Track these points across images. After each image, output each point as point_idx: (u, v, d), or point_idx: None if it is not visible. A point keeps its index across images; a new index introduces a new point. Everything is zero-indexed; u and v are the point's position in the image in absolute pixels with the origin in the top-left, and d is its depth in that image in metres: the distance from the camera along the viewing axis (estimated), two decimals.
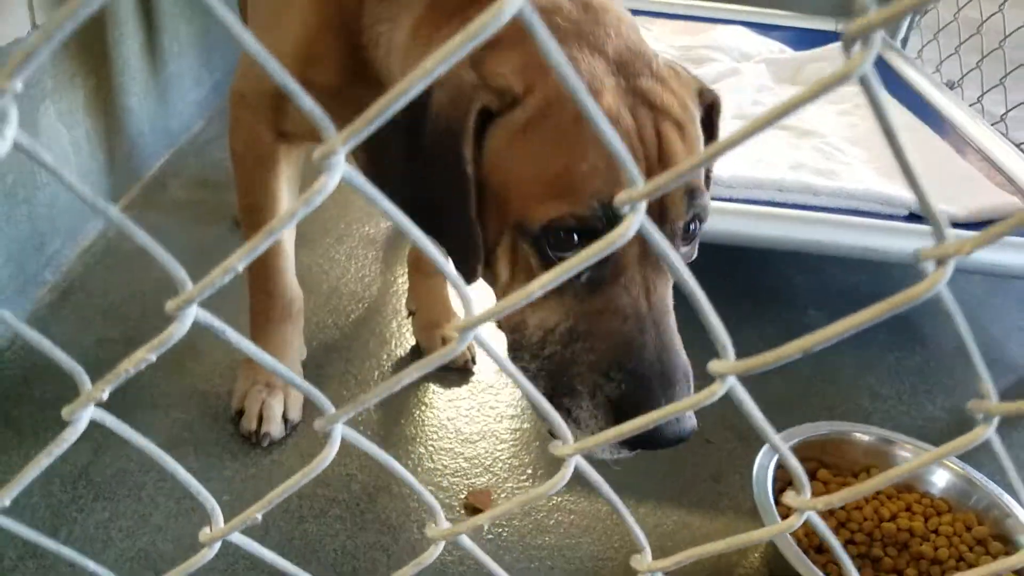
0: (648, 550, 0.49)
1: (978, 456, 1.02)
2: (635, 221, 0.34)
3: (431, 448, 1.23)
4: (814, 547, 1.01)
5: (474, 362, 1.39)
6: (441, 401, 1.32)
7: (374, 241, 1.71)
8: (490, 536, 1.09)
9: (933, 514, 1.05)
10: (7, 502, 0.43)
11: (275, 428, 1.18)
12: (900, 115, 1.93)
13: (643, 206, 0.34)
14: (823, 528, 0.44)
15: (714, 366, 0.38)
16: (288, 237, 1.19)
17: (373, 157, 0.77)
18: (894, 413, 1.39)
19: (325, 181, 0.33)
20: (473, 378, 1.37)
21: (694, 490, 1.21)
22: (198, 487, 0.45)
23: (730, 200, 1.45)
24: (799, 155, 1.63)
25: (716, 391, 0.39)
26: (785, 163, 1.58)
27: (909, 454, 1.12)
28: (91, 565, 0.48)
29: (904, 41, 2.60)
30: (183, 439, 1.17)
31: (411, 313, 1.46)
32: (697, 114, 0.82)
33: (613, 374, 0.73)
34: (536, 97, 0.73)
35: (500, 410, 1.31)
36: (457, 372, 1.37)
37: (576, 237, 0.72)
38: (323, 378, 1.32)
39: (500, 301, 0.39)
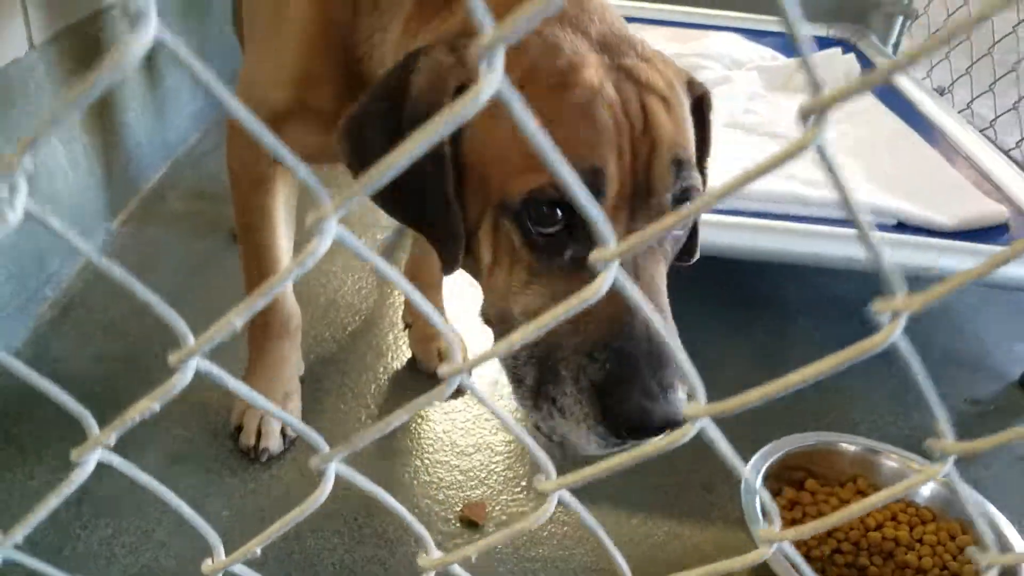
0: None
1: (959, 465, 1.04)
2: (607, 279, 0.36)
3: (427, 461, 1.25)
4: (803, 555, 1.03)
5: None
6: (437, 413, 1.35)
7: None
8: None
9: (918, 523, 1.08)
10: (19, 539, 0.45)
11: (273, 443, 1.20)
12: (891, 123, 1.95)
13: (615, 265, 0.36)
14: (797, 558, 0.47)
15: (687, 410, 0.41)
16: (285, 255, 1.21)
17: (354, 146, 0.78)
18: (881, 423, 1.41)
19: (317, 245, 0.36)
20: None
21: (685, 500, 1.23)
22: (201, 522, 0.47)
23: (720, 212, 1.46)
24: (790, 166, 1.64)
25: (688, 432, 0.41)
26: (776, 173, 1.60)
27: (895, 463, 1.15)
28: None
29: (896, 46, 2.63)
30: (183, 455, 1.19)
31: (407, 326, 1.48)
32: (685, 99, 0.81)
33: (598, 354, 0.71)
34: (513, 72, 0.75)
35: (495, 422, 1.33)
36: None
37: (559, 213, 0.71)
38: (320, 392, 1.35)
39: (488, 349, 0.42)
